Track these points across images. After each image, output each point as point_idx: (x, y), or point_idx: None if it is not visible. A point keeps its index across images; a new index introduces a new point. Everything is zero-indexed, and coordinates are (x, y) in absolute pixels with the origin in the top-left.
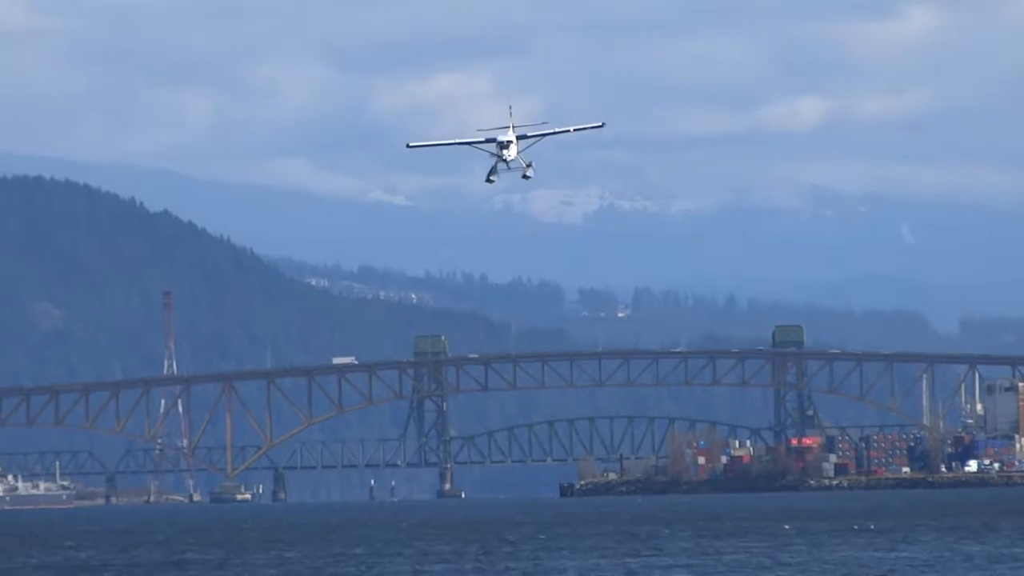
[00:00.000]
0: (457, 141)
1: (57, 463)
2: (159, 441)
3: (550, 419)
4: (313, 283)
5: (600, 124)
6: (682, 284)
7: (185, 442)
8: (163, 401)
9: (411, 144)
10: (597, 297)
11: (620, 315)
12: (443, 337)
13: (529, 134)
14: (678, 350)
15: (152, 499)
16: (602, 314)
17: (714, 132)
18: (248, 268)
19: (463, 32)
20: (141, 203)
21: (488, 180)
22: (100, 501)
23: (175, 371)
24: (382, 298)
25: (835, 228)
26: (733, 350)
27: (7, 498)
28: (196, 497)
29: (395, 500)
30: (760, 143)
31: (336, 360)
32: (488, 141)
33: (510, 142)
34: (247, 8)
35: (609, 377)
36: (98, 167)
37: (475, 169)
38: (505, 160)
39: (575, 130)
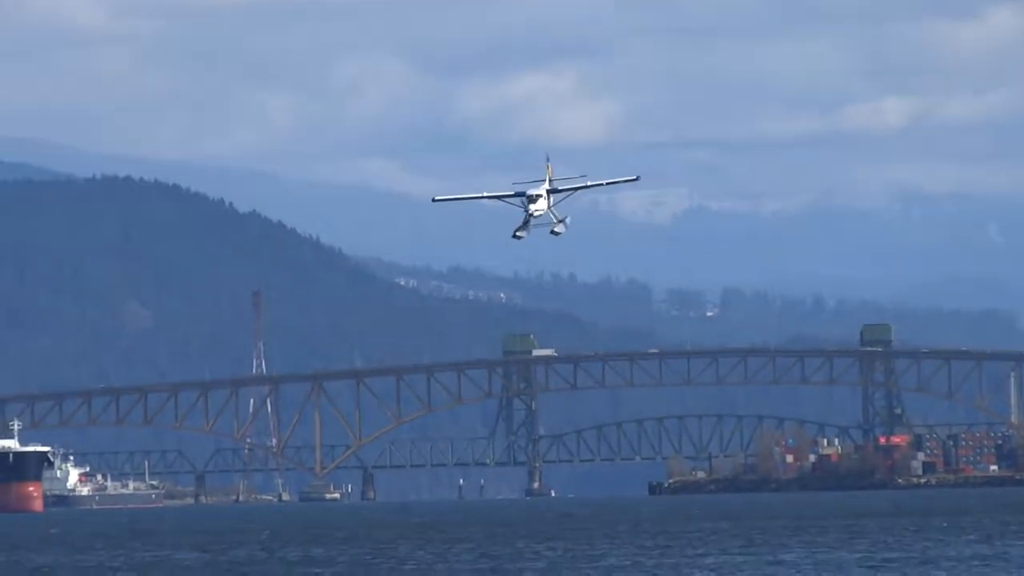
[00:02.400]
0: (486, 195)
1: (146, 462)
2: (248, 441)
3: (639, 418)
4: (402, 283)
5: (635, 178)
6: (770, 284)
7: (274, 441)
8: (252, 401)
9: (436, 198)
10: (686, 297)
11: (709, 315)
12: (532, 336)
13: (561, 188)
14: (767, 348)
15: (241, 499)
16: (691, 314)
17: (799, 133)
18: (337, 268)
19: (546, 33)
20: (230, 204)
21: (515, 236)
22: (189, 500)
23: (264, 371)
24: (471, 298)
25: (922, 228)
26: (822, 348)
27: (96, 497)
28: (285, 496)
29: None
30: (846, 144)
31: (538, 352)
32: (518, 195)
33: (538, 196)
34: (330, 9)
35: (698, 376)
36: (185, 167)
37: (563, 171)
38: (532, 214)
39: (609, 183)
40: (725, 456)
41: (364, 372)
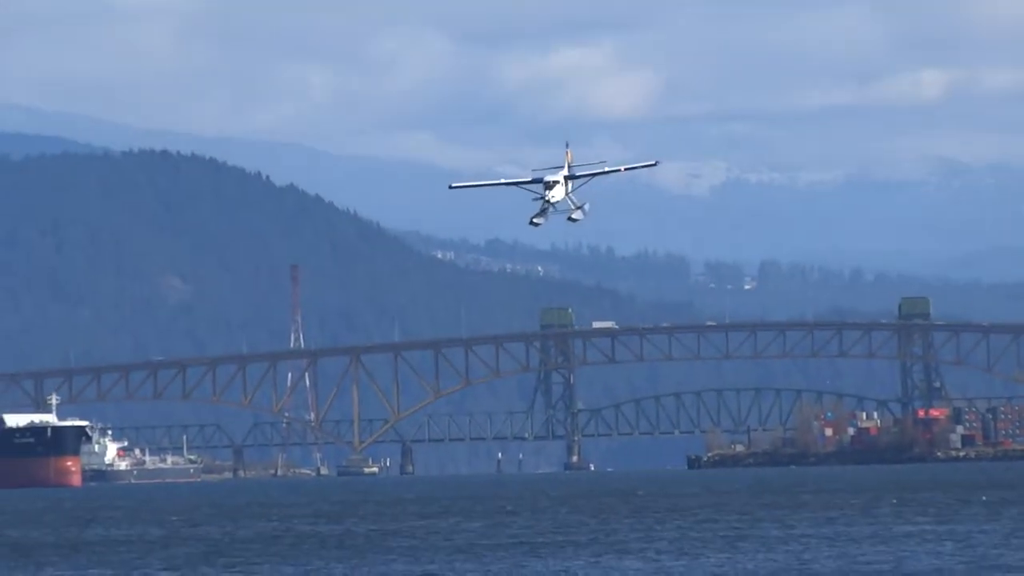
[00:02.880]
0: (503, 182)
1: (184, 437)
2: (286, 414)
3: (677, 391)
4: (440, 256)
5: (654, 163)
6: (808, 257)
7: (312, 415)
8: (290, 375)
9: (453, 185)
10: (724, 269)
11: (747, 287)
12: (570, 309)
13: (578, 174)
14: (805, 321)
15: (279, 472)
16: (729, 286)
17: (837, 104)
18: (375, 242)
19: (585, 5)
20: (267, 177)
21: (532, 223)
22: (227, 475)
23: (302, 345)
24: (509, 271)
25: (961, 200)
26: (860, 322)
27: (134, 472)
28: (323, 470)
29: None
30: (884, 115)
31: (597, 324)
32: (535, 181)
33: (555, 182)
34: None
35: (736, 349)
36: (223, 141)
37: (603, 143)
38: (548, 201)
39: (626, 169)
40: (764, 430)
41: (402, 345)
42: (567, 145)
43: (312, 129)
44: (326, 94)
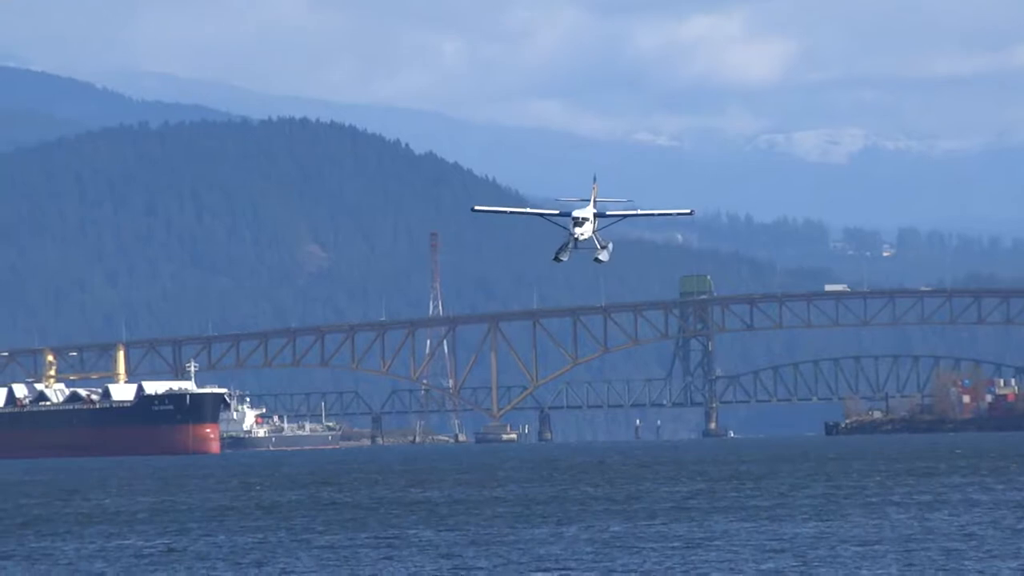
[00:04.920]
0: (529, 211)
1: (323, 404)
2: (425, 382)
3: (815, 358)
4: None
5: (689, 212)
6: (946, 224)
7: (451, 382)
8: (429, 342)
9: (476, 208)
10: (862, 236)
11: (885, 255)
12: (708, 277)
13: (608, 212)
14: (943, 288)
15: (418, 439)
16: (867, 253)
17: (973, 71)
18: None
19: None
20: (407, 145)
21: (556, 259)
22: (366, 442)
23: (440, 312)
24: (647, 239)
25: None
26: (998, 288)
27: (273, 439)
28: (462, 437)
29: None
30: (1020, 82)
31: (829, 287)
32: (562, 215)
33: (585, 219)
34: None
35: (874, 316)
36: (361, 109)
37: (736, 111)
38: (576, 238)
39: (659, 214)
40: (901, 396)
41: (541, 313)
42: (594, 179)
43: (446, 97)
44: (460, 62)
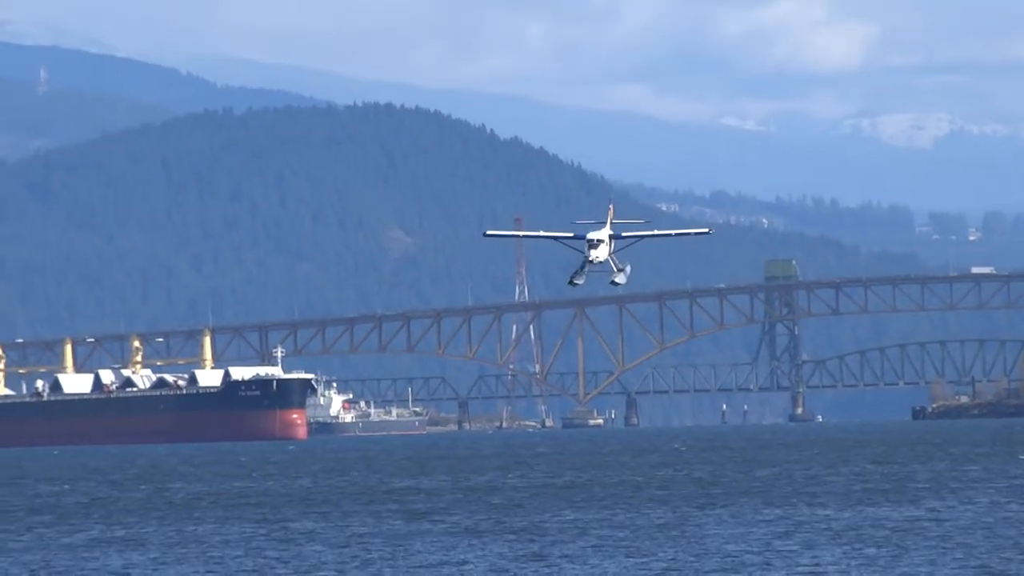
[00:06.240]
0: (542, 234)
1: (410, 389)
2: (511, 367)
3: (901, 342)
4: (664, 208)
5: (707, 231)
6: None
7: (537, 368)
8: (515, 327)
9: (488, 233)
10: (947, 220)
11: (971, 239)
12: (794, 261)
13: (624, 234)
14: None
15: (504, 425)
16: (953, 237)
17: None
18: (599, 194)
19: None
20: (491, 130)
21: (571, 283)
22: (452, 427)
23: (526, 297)
24: (733, 223)
25: None
26: None
27: (359, 424)
28: (548, 423)
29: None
30: None
31: (976, 269)
32: (577, 238)
33: (600, 241)
34: None
35: (960, 300)
36: (445, 93)
37: (821, 95)
38: (591, 261)
39: (678, 234)
40: (988, 381)
41: (627, 298)
42: (611, 202)
43: (532, 81)
44: (544, 45)
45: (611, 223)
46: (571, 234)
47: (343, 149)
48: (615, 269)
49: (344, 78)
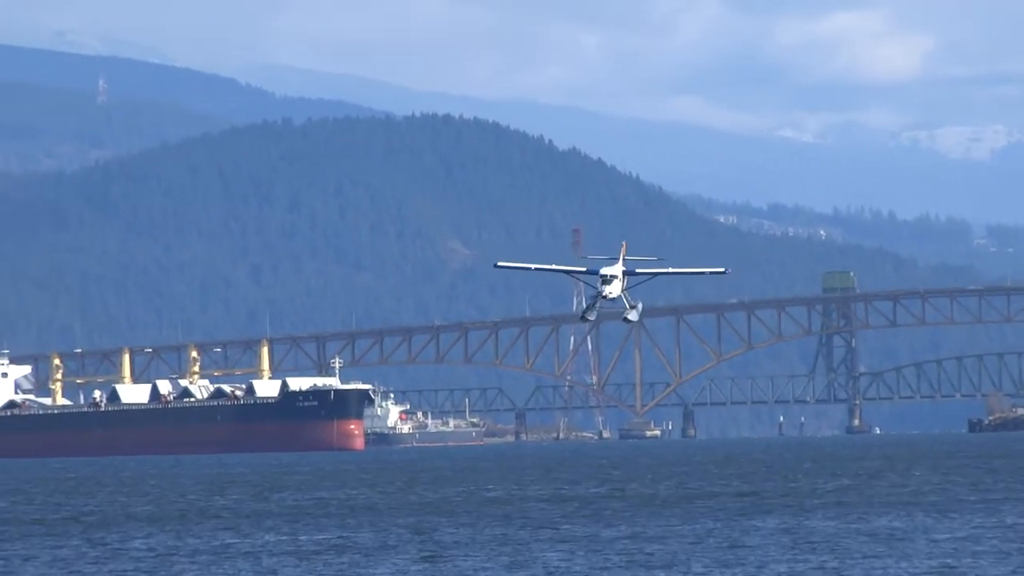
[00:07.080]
0: (554, 268)
1: (467, 400)
2: (568, 378)
3: (959, 355)
4: (722, 220)
5: (724, 270)
6: None
7: (594, 379)
8: (572, 338)
9: (499, 264)
10: (1005, 233)
11: None
12: (852, 273)
13: (638, 270)
14: None
15: (561, 436)
16: (1010, 250)
17: None
18: (657, 205)
19: None
20: (550, 141)
21: (583, 319)
22: (510, 438)
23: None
24: (791, 234)
25: None
26: None
27: (417, 435)
28: (605, 434)
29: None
30: None
31: None
32: (589, 273)
33: (613, 277)
34: None
35: (1018, 312)
36: (502, 104)
37: (878, 107)
38: (604, 296)
39: (692, 272)
40: None
41: (684, 309)
42: (623, 242)
43: (589, 92)
44: (599, 56)
45: (623, 259)
46: (583, 268)
47: (401, 160)
48: (627, 306)
49: (400, 88)
